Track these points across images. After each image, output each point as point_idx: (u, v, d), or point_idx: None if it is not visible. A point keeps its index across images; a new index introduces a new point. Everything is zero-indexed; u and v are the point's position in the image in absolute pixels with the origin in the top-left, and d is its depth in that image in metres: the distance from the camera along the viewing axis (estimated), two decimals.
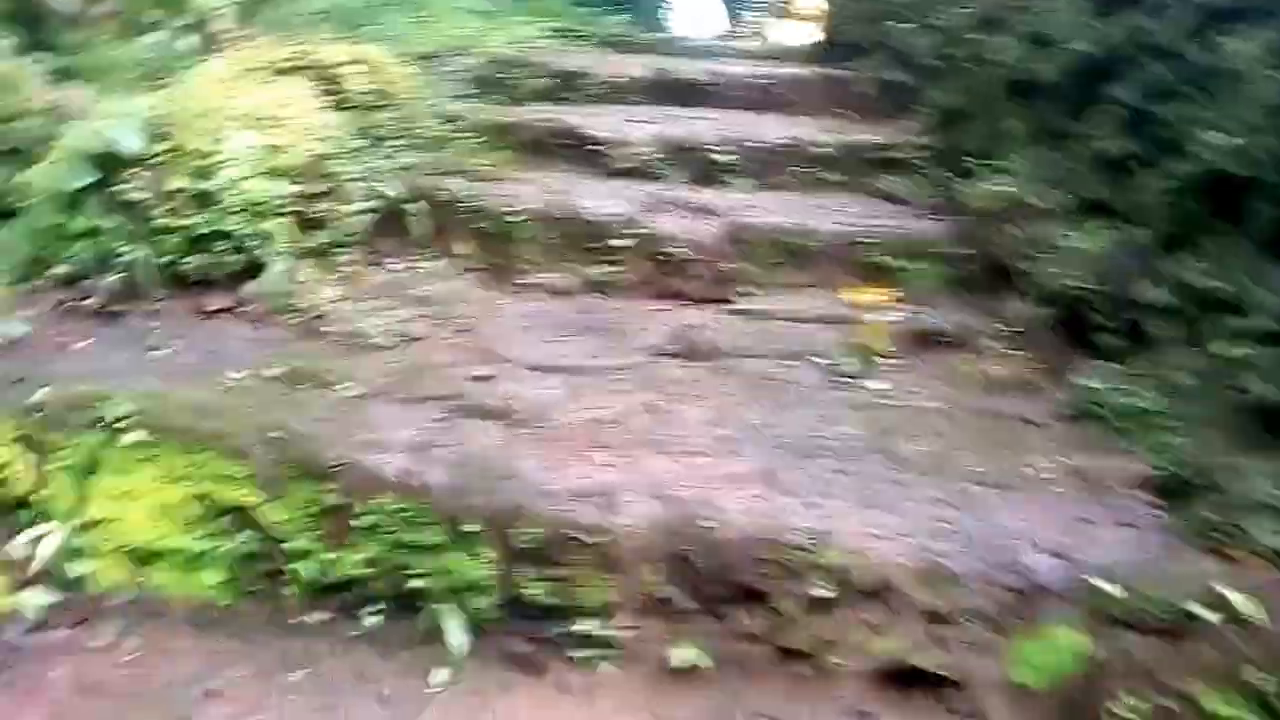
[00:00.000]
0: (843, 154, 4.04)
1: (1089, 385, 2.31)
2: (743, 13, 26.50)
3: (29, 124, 2.69)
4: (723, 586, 1.75)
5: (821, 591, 1.68)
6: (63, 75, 2.97)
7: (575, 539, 1.77)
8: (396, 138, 3.25)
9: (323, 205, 2.74)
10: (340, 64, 3.03)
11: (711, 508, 1.79)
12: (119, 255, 2.59)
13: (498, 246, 3.05)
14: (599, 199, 3.24)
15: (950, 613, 1.66)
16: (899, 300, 3.04)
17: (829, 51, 6.56)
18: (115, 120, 2.61)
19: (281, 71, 2.95)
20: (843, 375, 2.45)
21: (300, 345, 2.53)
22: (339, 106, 2.98)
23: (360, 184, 2.88)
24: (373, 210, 2.97)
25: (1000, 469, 2.00)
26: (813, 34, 7.40)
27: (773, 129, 4.30)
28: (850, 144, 4.08)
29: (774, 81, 5.07)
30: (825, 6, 7.00)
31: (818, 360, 2.52)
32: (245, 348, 2.49)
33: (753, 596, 1.74)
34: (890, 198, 3.85)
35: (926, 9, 4.70)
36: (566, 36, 7.82)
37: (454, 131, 3.79)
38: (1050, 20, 3.14)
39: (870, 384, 2.39)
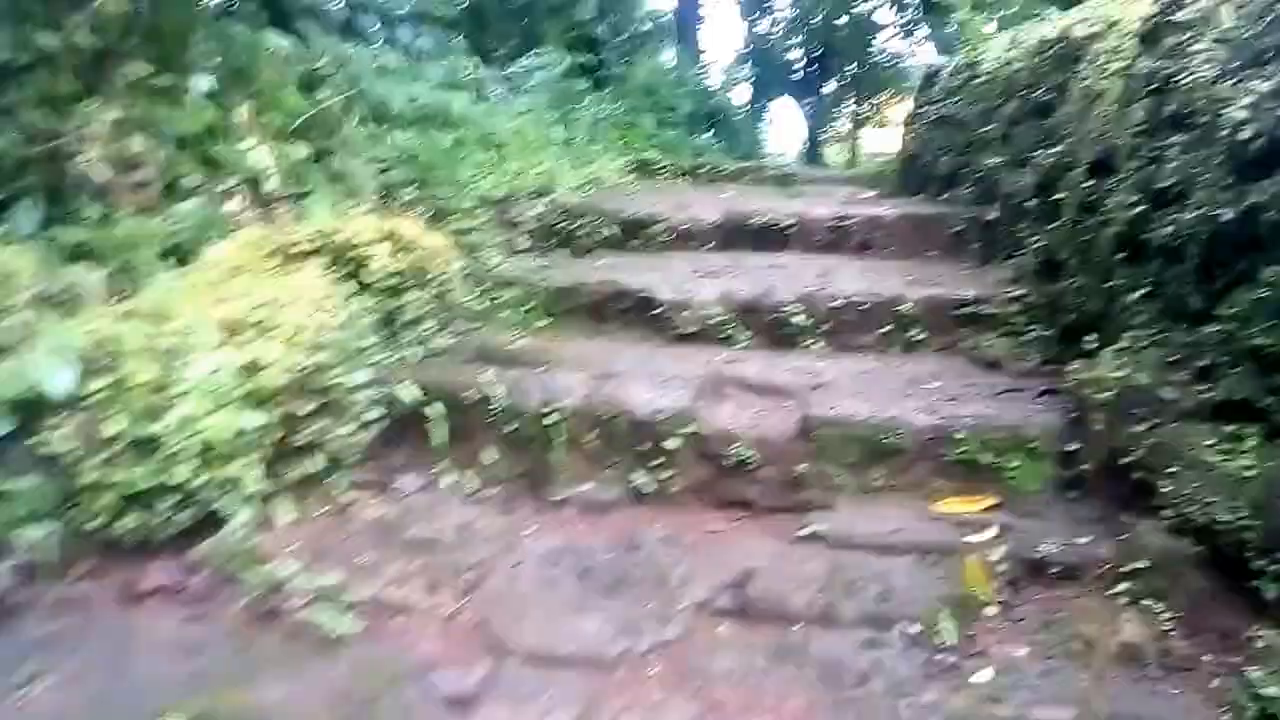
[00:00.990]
0: (928, 310, 3.61)
1: (1255, 688, 1.76)
2: (833, 122, 26.66)
3: (10, 322, 2.33)
4: None
5: None
6: (79, 253, 2.74)
7: None
8: (425, 321, 2.99)
9: (314, 426, 2.33)
10: (366, 243, 2.78)
11: None
12: (29, 527, 2.09)
13: (529, 452, 2.66)
14: (652, 386, 2.87)
15: None
16: (999, 508, 2.55)
17: (911, 177, 6.22)
18: (45, 353, 2.12)
19: (295, 256, 2.71)
20: (939, 654, 1.94)
21: (233, 654, 1.96)
22: (360, 292, 2.72)
23: (367, 391, 2.54)
24: (381, 421, 2.65)
25: None
26: (897, 154, 7.04)
27: (851, 280, 3.91)
28: (937, 299, 3.64)
29: (854, 221, 4.70)
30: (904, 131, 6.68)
31: (909, 631, 2.01)
32: (159, 667, 1.91)
33: None
34: (984, 361, 3.38)
35: (1024, 144, 4.30)
36: (646, 170, 7.71)
37: (497, 302, 3.57)
38: (1177, 174, 2.69)
39: (975, 675, 1.87)
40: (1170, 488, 2.25)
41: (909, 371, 3.28)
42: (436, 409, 2.62)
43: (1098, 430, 2.60)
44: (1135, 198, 2.91)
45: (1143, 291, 2.78)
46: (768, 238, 4.74)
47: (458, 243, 4.17)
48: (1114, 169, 3.23)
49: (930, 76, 6.24)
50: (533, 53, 11.47)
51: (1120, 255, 2.98)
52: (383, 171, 4.75)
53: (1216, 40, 2.70)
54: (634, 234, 4.77)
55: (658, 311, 3.67)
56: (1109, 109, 3.34)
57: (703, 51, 22.60)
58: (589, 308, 3.74)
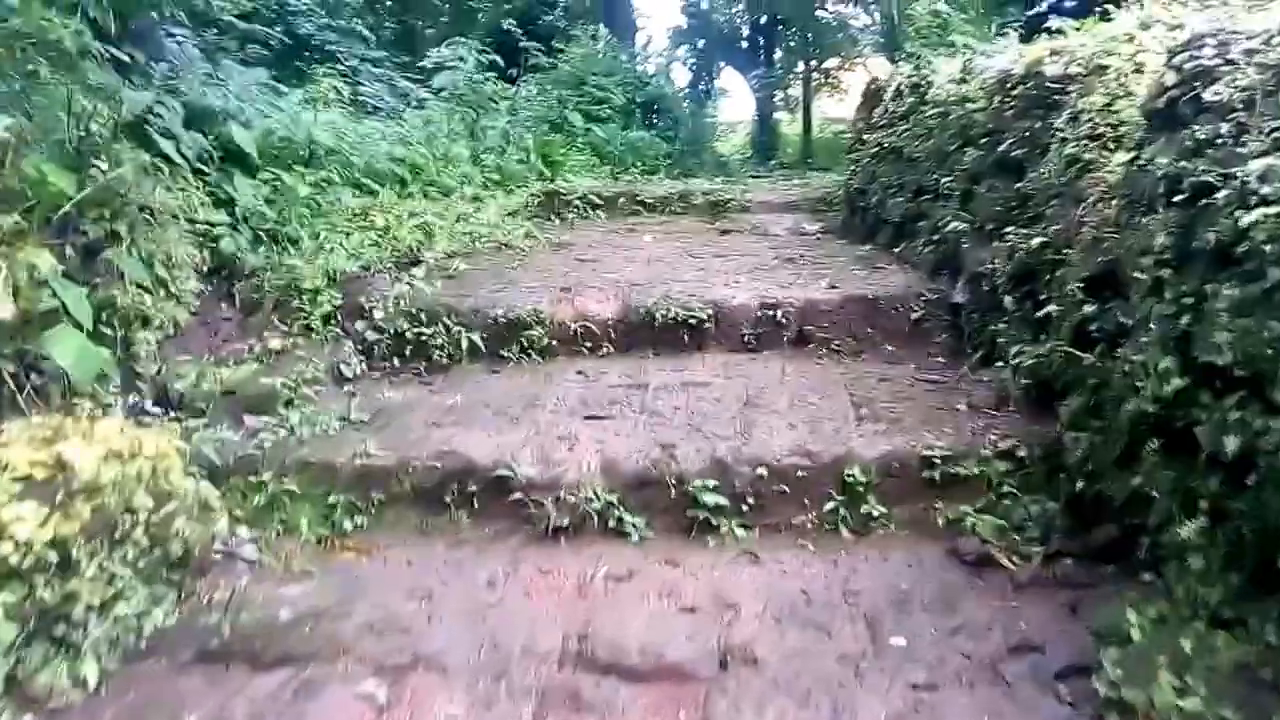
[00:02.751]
0: (886, 474, 2.70)
1: None
2: (785, 90, 25.49)
3: None
4: None
5: None
6: None
7: None
8: (126, 596, 2.00)
9: None
10: None
11: None
12: None
13: None
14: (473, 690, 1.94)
15: None
16: None
17: (858, 217, 5.27)
18: None
19: None
20: None
21: None
22: None
23: None
24: None
25: None
26: (845, 181, 6.08)
27: (783, 419, 2.98)
28: (897, 457, 2.71)
29: (787, 311, 3.76)
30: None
31: None
32: None
33: None
34: (968, 559, 2.48)
35: (991, 210, 3.38)
36: (553, 204, 6.67)
37: (278, 505, 2.63)
38: (1235, 345, 1.79)
39: None
40: None
41: (863, 587, 2.37)
42: None
43: None
44: (1167, 362, 2.00)
45: (1200, 523, 1.88)
46: (679, 337, 3.79)
47: (249, 388, 3.21)
48: (1124, 296, 2.32)
49: (872, 95, 5.28)
50: (447, 43, 10.24)
51: (1153, 445, 2.08)
52: (212, 242, 3.75)
53: None
54: (506, 341, 3.79)
55: (517, 497, 2.73)
56: (1109, 207, 2.42)
57: (640, 29, 21.42)
58: (420, 496, 2.79)
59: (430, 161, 7.38)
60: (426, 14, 21.13)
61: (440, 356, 3.77)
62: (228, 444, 2.93)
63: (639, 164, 12.22)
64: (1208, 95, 1.98)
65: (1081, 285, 2.48)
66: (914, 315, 3.65)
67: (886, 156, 4.79)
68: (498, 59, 9.93)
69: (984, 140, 3.48)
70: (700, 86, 21.75)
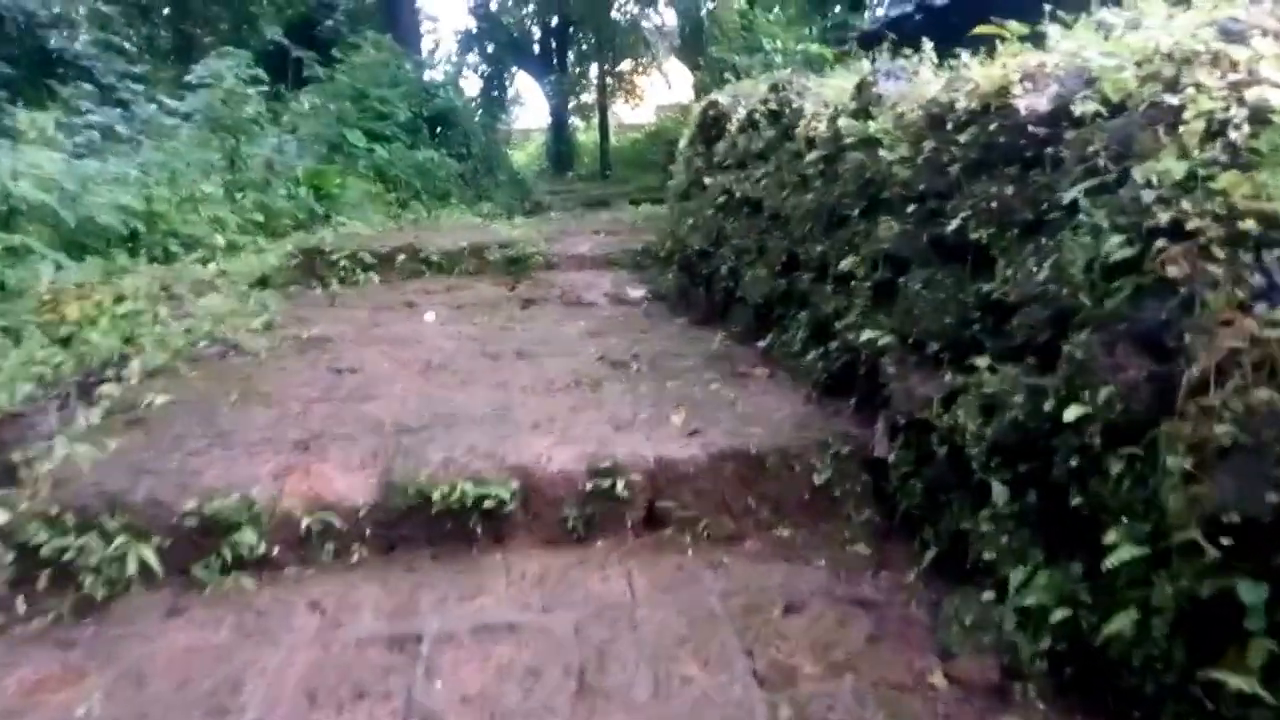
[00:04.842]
0: None
1: None
2: (580, 94, 24.25)
3: None
4: None
5: None
6: None
7: None
8: None
9: None
10: None
11: None
12: None
13: None
14: None
15: None
16: None
17: (697, 288, 3.99)
18: None
19: None
20: None
21: None
22: None
23: None
24: None
25: None
26: (667, 233, 4.80)
27: None
28: None
29: (632, 479, 2.38)
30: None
31: None
32: None
33: None
34: None
35: (940, 324, 2.19)
36: (313, 266, 4.99)
37: None
38: None
39: None
40: None
41: None
42: None
43: None
44: None
45: None
46: (468, 529, 2.34)
47: None
48: None
49: (710, 124, 4.00)
50: (214, 53, 8.10)
51: None
52: None
53: None
54: (201, 552, 2.24)
55: None
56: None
57: (426, 34, 19.43)
58: None
59: (171, 207, 5.51)
60: (204, 22, 18.42)
61: (96, 586, 2.14)
62: None
63: (428, 188, 10.60)
64: None
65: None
66: (817, 479, 2.39)
67: (737, 210, 3.54)
68: (260, 73, 7.96)
69: (910, 206, 2.28)
70: (493, 93, 20.07)
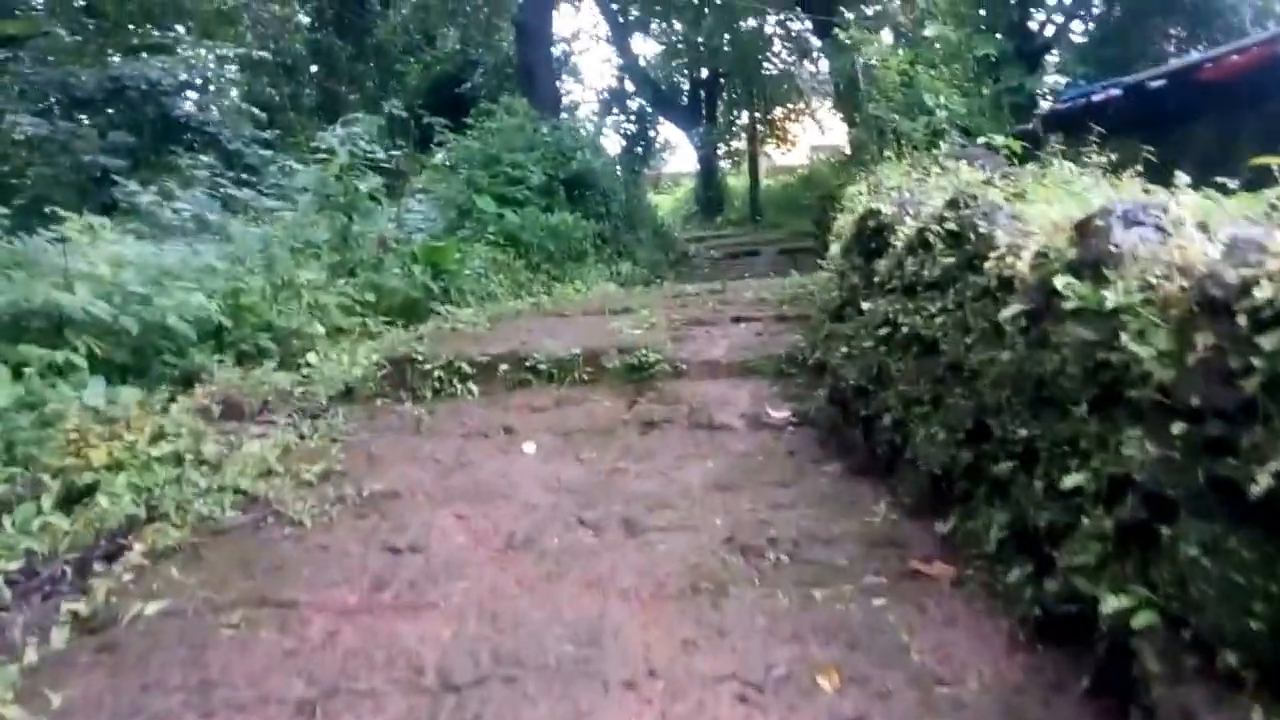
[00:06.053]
0: None
1: None
2: (729, 141, 23.82)
3: None
4: None
5: None
6: None
7: None
8: None
9: None
10: None
11: None
12: None
13: None
14: None
15: None
16: None
17: (855, 434, 3.25)
18: None
19: None
20: None
21: None
22: None
23: None
24: None
25: None
26: (825, 372, 4.13)
27: None
28: None
29: None
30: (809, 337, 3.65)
31: None
32: None
33: None
34: None
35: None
36: (402, 375, 4.61)
37: None
38: None
39: None
40: None
41: None
42: None
43: None
44: None
45: None
46: None
47: None
48: None
49: (870, 234, 3.29)
50: (341, 121, 8.15)
51: None
52: None
53: None
54: None
55: None
56: None
57: (567, 93, 19.52)
58: None
59: (263, 297, 5.38)
60: (350, 79, 19.26)
61: None
62: None
63: (561, 250, 10.34)
64: None
65: None
66: None
67: (905, 347, 2.84)
68: (377, 150, 7.89)
69: (1176, 425, 1.54)
70: (636, 149, 19.88)
